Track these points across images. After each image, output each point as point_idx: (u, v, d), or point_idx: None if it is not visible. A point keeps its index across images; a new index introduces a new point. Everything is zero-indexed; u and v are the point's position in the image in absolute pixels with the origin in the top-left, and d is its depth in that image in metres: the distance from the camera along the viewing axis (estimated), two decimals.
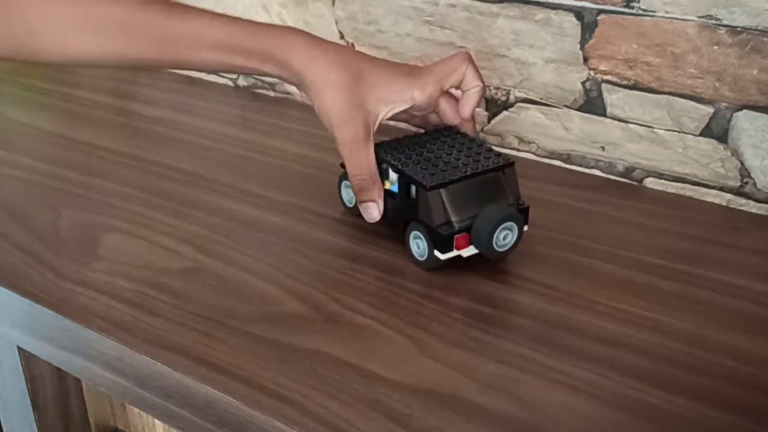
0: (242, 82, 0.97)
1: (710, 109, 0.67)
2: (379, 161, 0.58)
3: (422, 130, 0.65)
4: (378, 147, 0.59)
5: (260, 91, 0.95)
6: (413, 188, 0.56)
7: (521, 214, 0.56)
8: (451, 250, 0.54)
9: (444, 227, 0.54)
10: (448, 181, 0.55)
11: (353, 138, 0.57)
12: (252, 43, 0.60)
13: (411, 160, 0.57)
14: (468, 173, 0.56)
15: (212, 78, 0.99)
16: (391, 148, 0.59)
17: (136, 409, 0.59)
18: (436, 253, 0.55)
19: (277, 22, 0.90)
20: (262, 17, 0.91)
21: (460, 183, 0.55)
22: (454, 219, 0.54)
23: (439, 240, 0.54)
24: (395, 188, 0.58)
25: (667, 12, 0.66)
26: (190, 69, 0.67)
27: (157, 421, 0.57)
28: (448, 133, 0.62)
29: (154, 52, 0.59)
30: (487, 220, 0.54)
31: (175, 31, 0.59)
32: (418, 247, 0.56)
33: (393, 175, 0.58)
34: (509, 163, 0.58)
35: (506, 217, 0.54)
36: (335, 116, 0.57)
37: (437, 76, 0.61)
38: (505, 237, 0.55)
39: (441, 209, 0.55)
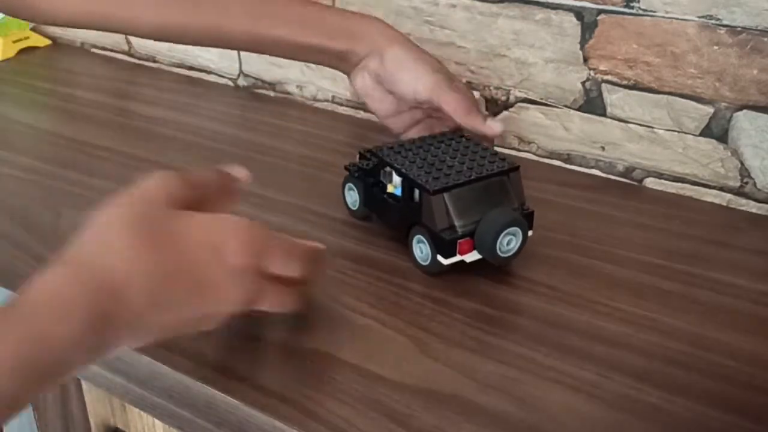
0: (242, 82, 0.97)
1: (710, 109, 0.67)
2: (383, 164, 0.58)
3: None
4: (381, 150, 0.59)
5: (260, 91, 0.95)
6: (416, 192, 0.55)
7: (525, 219, 0.55)
8: (454, 255, 0.54)
9: (447, 232, 0.53)
10: (452, 185, 0.54)
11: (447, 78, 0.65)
12: (328, 16, 0.66)
13: (415, 163, 0.57)
14: (472, 177, 0.55)
15: (212, 78, 0.99)
16: (394, 151, 0.59)
17: (136, 409, 0.59)
18: (439, 257, 0.54)
19: None
20: None
21: (464, 187, 0.54)
22: (457, 223, 0.54)
23: (443, 245, 0.53)
24: (399, 191, 0.57)
25: (667, 12, 0.66)
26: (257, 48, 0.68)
27: (157, 421, 0.57)
28: (452, 136, 0.61)
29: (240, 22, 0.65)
30: (491, 225, 0.53)
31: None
32: (421, 252, 0.56)
33: (396, 179, 0.57)
34: (514, 168, 0.58)
35: (510, 222, 0.53)
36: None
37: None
38: (509, 242, 0.54)
39: (444, 213, 0.54)
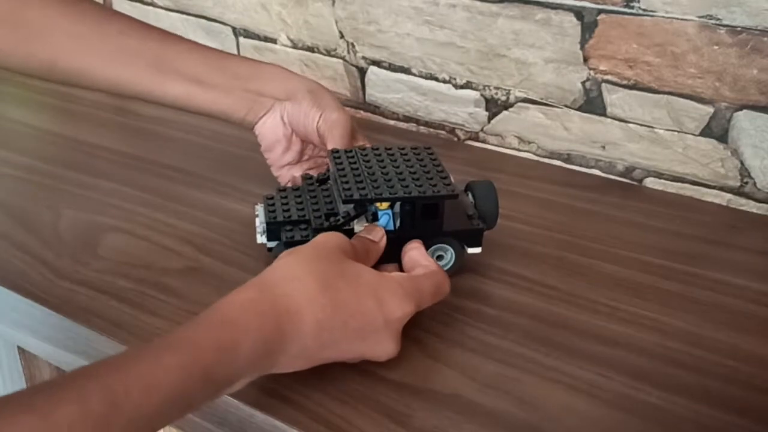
0: None
1: (710, 109, 0.67)
2: (363, 207, 0.53)
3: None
4: (356, 194, 0.51)
5: None
6: (418, 209, 0.52)
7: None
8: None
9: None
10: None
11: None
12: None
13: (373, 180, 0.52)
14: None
15: None
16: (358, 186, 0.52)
17: None
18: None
19: (276, 21, 0.90)
20: (261, 17, 0.91)
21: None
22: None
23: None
24: (389, 224, 0.53)
25: (667, 12, 0.66)
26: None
27: None
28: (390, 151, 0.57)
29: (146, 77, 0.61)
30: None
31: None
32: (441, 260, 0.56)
33: (384, 213, 0.53)
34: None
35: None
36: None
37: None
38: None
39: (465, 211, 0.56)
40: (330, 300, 0.43)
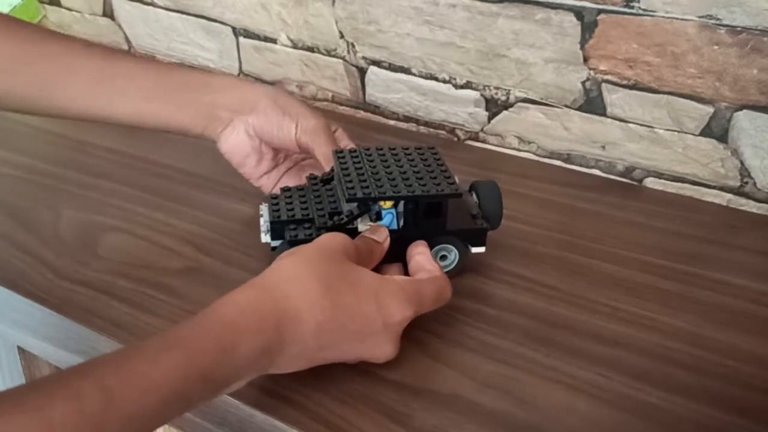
0: None
1: (710, 109, 0.67)
2: (366, 206, 0.52)
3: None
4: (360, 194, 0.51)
5: None
6: (423, 207, 0.52)
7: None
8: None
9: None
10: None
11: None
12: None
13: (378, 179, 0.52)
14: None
15: None
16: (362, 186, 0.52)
17: None
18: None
19: (276, 21, 0.90)
20: (261, 17, 0.91)
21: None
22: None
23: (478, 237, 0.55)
24: (393, 223, 0.53)
25: (667, 12, 0.66)
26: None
27: None
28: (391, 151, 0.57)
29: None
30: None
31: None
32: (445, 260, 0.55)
33: (387, 212, 0.53)
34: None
35: None
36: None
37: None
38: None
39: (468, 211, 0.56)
40: (330, 302, 0.43)
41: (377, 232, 0.51)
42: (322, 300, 0.43)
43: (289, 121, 0.59)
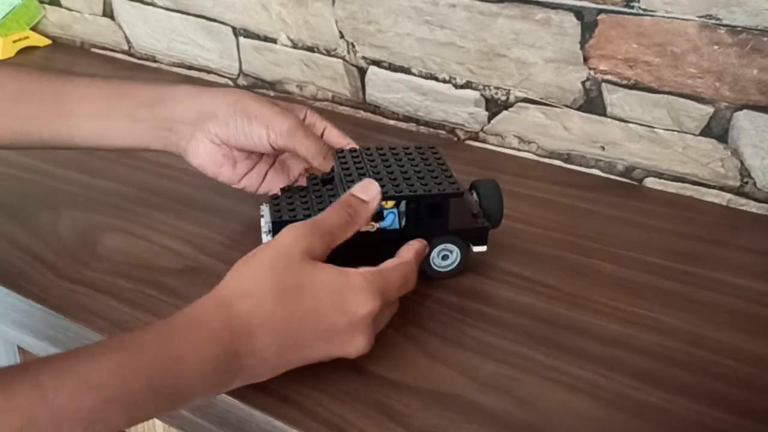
0: (242, 81, 0.97)
1: (710, 109, 0.67)
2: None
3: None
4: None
5: (260, 90, 0.95)
6: (425, 207, 0.52)
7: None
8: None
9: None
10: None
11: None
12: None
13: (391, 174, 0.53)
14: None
15: (212, 77, 0.99)
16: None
17: None
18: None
19: (276, 21, 0.90)
20: (261, 17, 0.91)
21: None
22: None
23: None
24: (395, 223, 0.53)
25: (667, 12, 0.66)
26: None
27: (157, 421, 0.57)
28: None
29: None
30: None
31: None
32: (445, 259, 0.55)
33: (389, 211, 0.53)
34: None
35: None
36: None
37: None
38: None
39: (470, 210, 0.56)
40: (287, 312, 0.43)
41: (365, 190, 0.50)
42: (278, 312, 0.42)
43: (258, 127, 0.56)
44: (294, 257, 0.44)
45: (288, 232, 0.46)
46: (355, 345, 0.45)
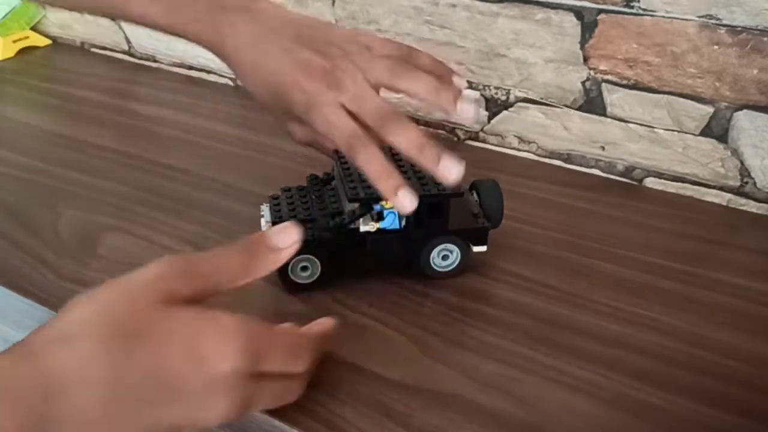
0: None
1: (710, 109, 0.67)
2: (369, 205, 0.52)
3: None
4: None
5: None
6: (428, 207, 0.52)
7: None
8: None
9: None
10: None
11: None
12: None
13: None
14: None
15: (212, 78, 0.99)
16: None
17: None
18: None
19: None
20: None
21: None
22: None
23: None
24: (395, 223, 0.53)
25: (667, 12, 0.66)
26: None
27: None
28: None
29: None
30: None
31: None
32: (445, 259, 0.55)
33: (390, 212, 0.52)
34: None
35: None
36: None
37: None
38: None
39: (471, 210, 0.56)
40: (121, 363, 0.35)
41: (282, 235, 0.43)
42: (103, 361, 0.35)
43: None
44: (143, 299, 0.37)
45: (152, 268, 0.39)
46: (214, 407, 0.37)
